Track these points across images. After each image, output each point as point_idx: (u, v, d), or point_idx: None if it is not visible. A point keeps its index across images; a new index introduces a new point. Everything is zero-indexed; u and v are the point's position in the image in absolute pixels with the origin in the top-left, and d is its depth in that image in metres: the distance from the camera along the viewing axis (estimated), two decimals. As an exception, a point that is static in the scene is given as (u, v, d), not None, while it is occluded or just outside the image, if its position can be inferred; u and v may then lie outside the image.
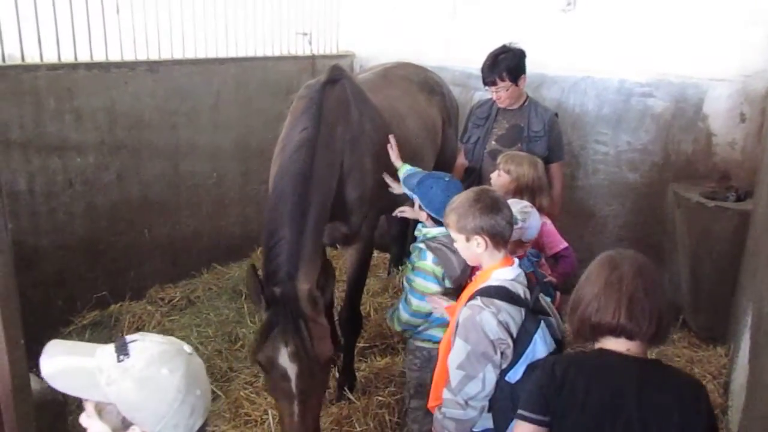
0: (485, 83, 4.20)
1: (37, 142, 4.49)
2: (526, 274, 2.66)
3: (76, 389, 1.57)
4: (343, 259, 5.30)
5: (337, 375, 4.18)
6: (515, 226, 2.75)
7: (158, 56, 5.34)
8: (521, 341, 2.37)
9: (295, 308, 2.81)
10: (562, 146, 4.42)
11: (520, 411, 2.05)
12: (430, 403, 2.62)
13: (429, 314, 3.11)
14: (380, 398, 3.96)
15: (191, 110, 5.45)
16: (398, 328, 3.25)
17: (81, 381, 1.56)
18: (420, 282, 3.06)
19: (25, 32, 4.46)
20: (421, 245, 3.12)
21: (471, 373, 2.37)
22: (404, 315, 3.15)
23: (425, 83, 4.94)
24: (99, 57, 4.91)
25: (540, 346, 2.37)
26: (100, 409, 1.58)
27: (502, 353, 2.36)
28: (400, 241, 5.70)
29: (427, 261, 3.06)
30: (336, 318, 4.34)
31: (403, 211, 3.51)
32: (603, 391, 1.93)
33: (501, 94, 4.16)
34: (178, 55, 5.49)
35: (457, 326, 2.46)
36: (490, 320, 2.34)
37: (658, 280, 2.01)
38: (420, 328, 3.18)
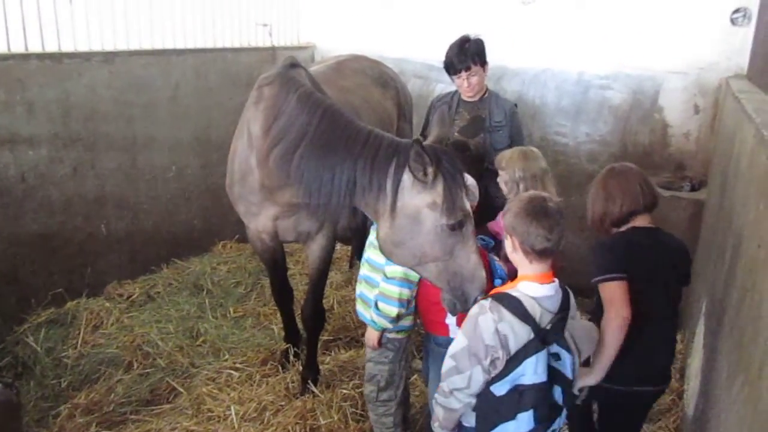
0: (457, 71, 4.18)
1: (-14, 135, 4.35)
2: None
3: None
4: (305, 254, 5.29)
5: (300, 369, 4.17)
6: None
7: (114, 47, 5.21)
8: (516, 360, 2.30)
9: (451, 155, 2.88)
10: (522, 136, 4.47)
11: (607, 276, 2.74)
12: None
13: (397, 318, 3.12)
14: (344, 391, 3.95)
15: (149, 102, 5.34)
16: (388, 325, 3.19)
17: None
18: (400, 269, 3.05)
19: (-27, 21, 4.31)
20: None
21: (460, 367, 2.37)
22: (384, 321, 3.13)
23: (380, 77, 4.92)
24: (51, 47, 4.77)
25: (528, 371, 2.28)
26: None
27: (492, 361, 2.31)
28: (362, 233, 5.69)
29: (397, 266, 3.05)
30: (298, 313, 4.31)
31: None
32: (652, 249, 2.84)
33: (473, 79, 4.18)
34: (134, 46, 5.37)
35: None
36: (489, 325, 2.31)
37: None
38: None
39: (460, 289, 2.83)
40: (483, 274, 2.82)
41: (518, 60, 5.69)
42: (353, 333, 4.79)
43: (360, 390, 3.87)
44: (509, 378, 2.29)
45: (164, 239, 5.71)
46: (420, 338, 4.28)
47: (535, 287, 2.38)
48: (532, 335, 2.29)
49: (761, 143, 2.49)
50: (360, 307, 3.37)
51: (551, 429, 2.38)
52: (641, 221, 2.90)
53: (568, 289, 2.49)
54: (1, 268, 4.55)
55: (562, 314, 2.39)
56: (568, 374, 2.37)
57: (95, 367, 4.31)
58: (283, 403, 3.89)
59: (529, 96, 5.73)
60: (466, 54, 4.14)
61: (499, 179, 3.59)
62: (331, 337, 4.73)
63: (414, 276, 3.09)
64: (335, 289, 5.44)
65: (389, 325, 3.15)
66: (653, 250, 2.85)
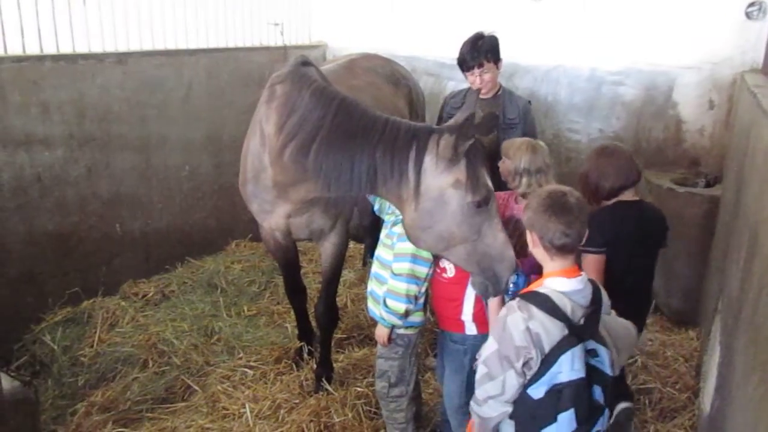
0: (469, 68, 4.17)
1: (2, 136, 4.39)
2: None
3: None
4: (318, 252, 5.30)
5: (314, 366, 4.19)
6: None
7: (127, 47, 5.25)
8: (551, 358, 2.22)
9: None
10: (536, 134, 4.44)
11: (587, 248, 2.96)
12: None
13: (406, 314, 3.14)
14: (358, 389, 3.96)
15: (162, 102, 5.38)
16: (398, 322, 3.22)
17: None
18: (410, 246, 3.05)
19: (-12, 24, 4.35)
20: (400, 230, 3.11)
21: (492, 373, 2.30)
22: (393, 318, 3.16)
23: (391, 75, 4.91)
24: (66, 49, 4.81)
25: (564, 368, 2.20)
26: None
27: (525, 363, 2.24)
28: (374, 231, 5.69)
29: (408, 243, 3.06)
30: (311, 311, 4.33)
31: None
32: (636, 220, 3.16)
33: (485, 76, 4.16)
34: (147, 47, 5.41)
35: None
36: (518, 325, 2.24)
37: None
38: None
39: (491, 270, 2.84)
40: (512, 253, 2.83)
41: (530, 57, 5.67)
42: (366, 331, 4.79)
43: (374, 388, 3.88)
44: (545, 378, 2.22)
45: (178, 238, 5.74)
46: (434, 336, 4.29)
47: (562, 282, 2.33)
48: (565, 331, 2.23)
49: (777, 139, 2.47)
50: (370, 305, 3.38)
51: (595, 430, 2.29)
52: (627, 195, 3.23)
53: (598, 284, 2.46)
54: (18, 268, 4.60)
55: (594, 308, 2.33)
56: (607, 371, 2.29)
57: (111, 366, 4.35)
58: (297, 401, 3.90)
59: (542, 93, 5.70)
60: (479, 51, 4.12)
61: (500, 164, 3.56)
62: (345, 335, 4.74)
63: (421, 272, 3.11)
64: (348, 288, 5.45)
65: (398, 322, 3.16)
66: (636, 221, 3.17)
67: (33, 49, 4.62)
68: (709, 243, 4.63)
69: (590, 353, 2.27)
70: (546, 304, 2.27)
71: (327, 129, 2.98)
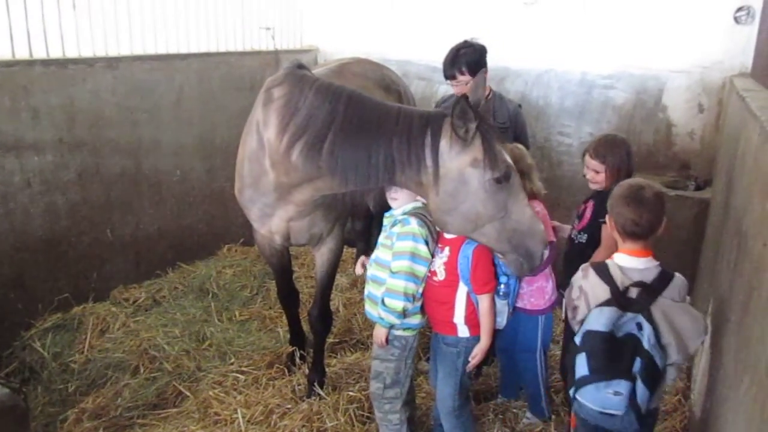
0: (446, 77, 4.23)
1: (-9, 142, 4.37)
2: None
3: None
4: (310, 257, 5.29)
5: (306, 371, 4.17)
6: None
7: (117, 52, 5.23)
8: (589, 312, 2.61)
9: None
10: (527, 137, 4.46)
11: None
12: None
13: (404, 313, 3.13)
14: (351, 393, 3.94)
15: (153, 107, 5.36)
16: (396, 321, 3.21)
17: None
18: (409, 244, 3.08)
19: (-23, 28, 4.33)
20: (401, 216, 3.16)
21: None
22: (391, 317, 3.15)
23: (382, 80, 4.91)
24: (56, 53, 4.79)
25: (591, 319, 2.56)
26: None
27: (573, 308, 2.72)
28: (366, 236, 5.70)
29: (412, 225, 3.10)
30: (303, 315, 4.31)
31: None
32: None
33: (460, 88, 4.18)
34: (138, 51, 5.39)
35: None
36: (576, 281, 2.76)
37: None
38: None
39: (523, 246, 2.96)
40: (541, 226, 2.99)
41: (521, 61, 5.70)
42: (359, 335, 4.79)
43: (366, 392, 3.88)
44: (582, 328, 2.60)
45: (169, 243, 5.72)
46: (427, 339, 4.29)
47: (625, 258, 2.67)
48: (609, 295, 2.58)
49: (766, 141, 2.49)
50: (368, 307, 3.36)
51: (612, 389, 2.48)
52: None
53: (676, 274, 2.67)
54: (7, 274, 4.57)
55: (651, 289, 2.58)
56: (645, 344, 2.47)
57: (102, 372, 4.32)
58: (289, 406, 3.89)
59: (533, 97, 5.73)
60: (454, 63, 4.16)
61: None
62: (337, 340, 4.73)
63: (420, 271, 3.11)
64: (341, 292, 5.44)
65: (396, 321, 3.15)
66: None
67: (22, 54, 4.59)
68: (699, 245, 4.65)
69: (637, 326, 2.52)
70: (602, 270, 2.68)
71: (340, 123, 3.00)
